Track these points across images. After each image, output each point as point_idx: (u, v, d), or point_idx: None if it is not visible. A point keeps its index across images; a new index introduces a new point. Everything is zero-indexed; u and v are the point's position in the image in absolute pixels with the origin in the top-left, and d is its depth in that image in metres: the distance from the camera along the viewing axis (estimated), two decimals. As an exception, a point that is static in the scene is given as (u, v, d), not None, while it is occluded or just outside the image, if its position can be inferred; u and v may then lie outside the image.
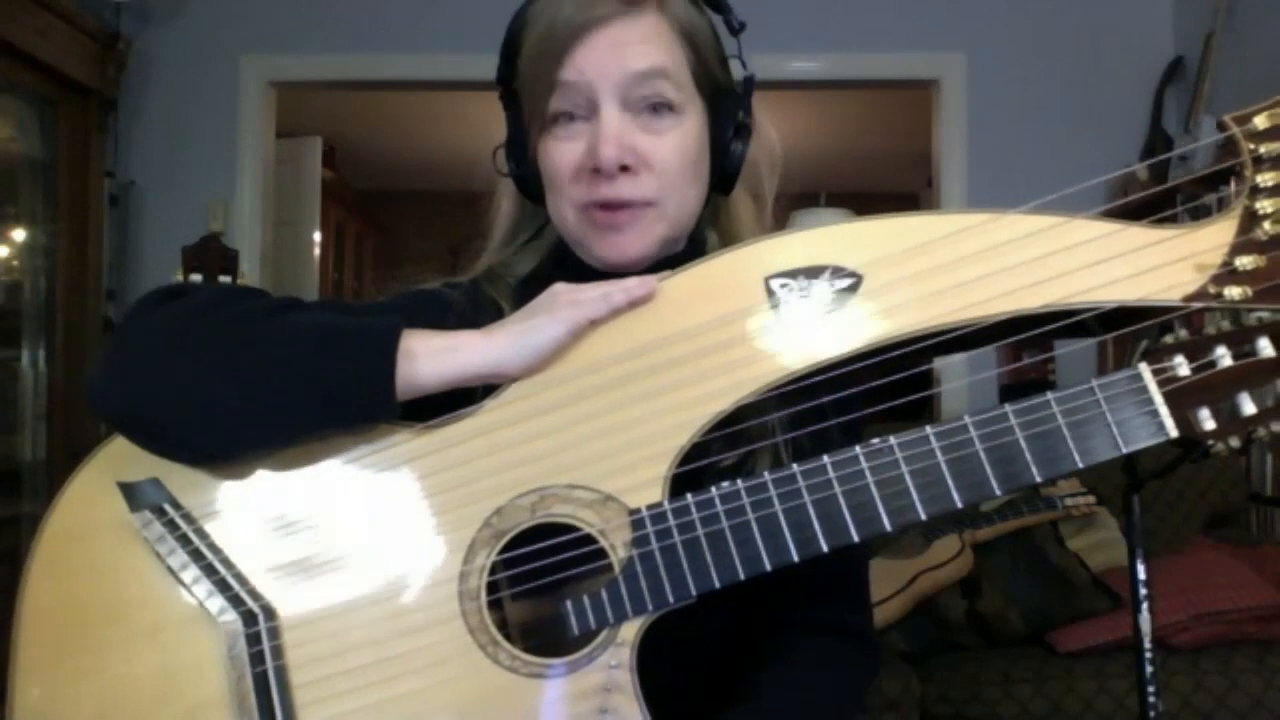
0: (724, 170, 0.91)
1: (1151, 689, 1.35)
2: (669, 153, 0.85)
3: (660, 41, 0.85)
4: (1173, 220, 0.77)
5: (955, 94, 3.62)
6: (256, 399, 0.74)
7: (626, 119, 0.84)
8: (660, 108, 0.85)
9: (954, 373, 2.66)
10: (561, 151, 0.85)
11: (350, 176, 6.46)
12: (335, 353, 0.75)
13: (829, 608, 0.91)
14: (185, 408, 0.75)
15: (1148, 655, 1.35)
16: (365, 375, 0.74)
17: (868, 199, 5.37)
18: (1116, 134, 3.51)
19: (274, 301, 0.80)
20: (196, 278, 2.95)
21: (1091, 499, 2.42)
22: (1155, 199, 2.23)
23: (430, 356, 0.76)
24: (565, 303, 0.77)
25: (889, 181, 6.63)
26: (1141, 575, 1.37)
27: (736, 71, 0.92)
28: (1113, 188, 3.00)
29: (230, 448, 0.77)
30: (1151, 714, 1.35)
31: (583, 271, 0.89)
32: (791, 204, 1.00)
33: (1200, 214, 0.75)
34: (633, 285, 0.78)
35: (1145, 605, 1.35)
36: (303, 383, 0.74)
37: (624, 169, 0.83)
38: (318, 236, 5.16)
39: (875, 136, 5.84)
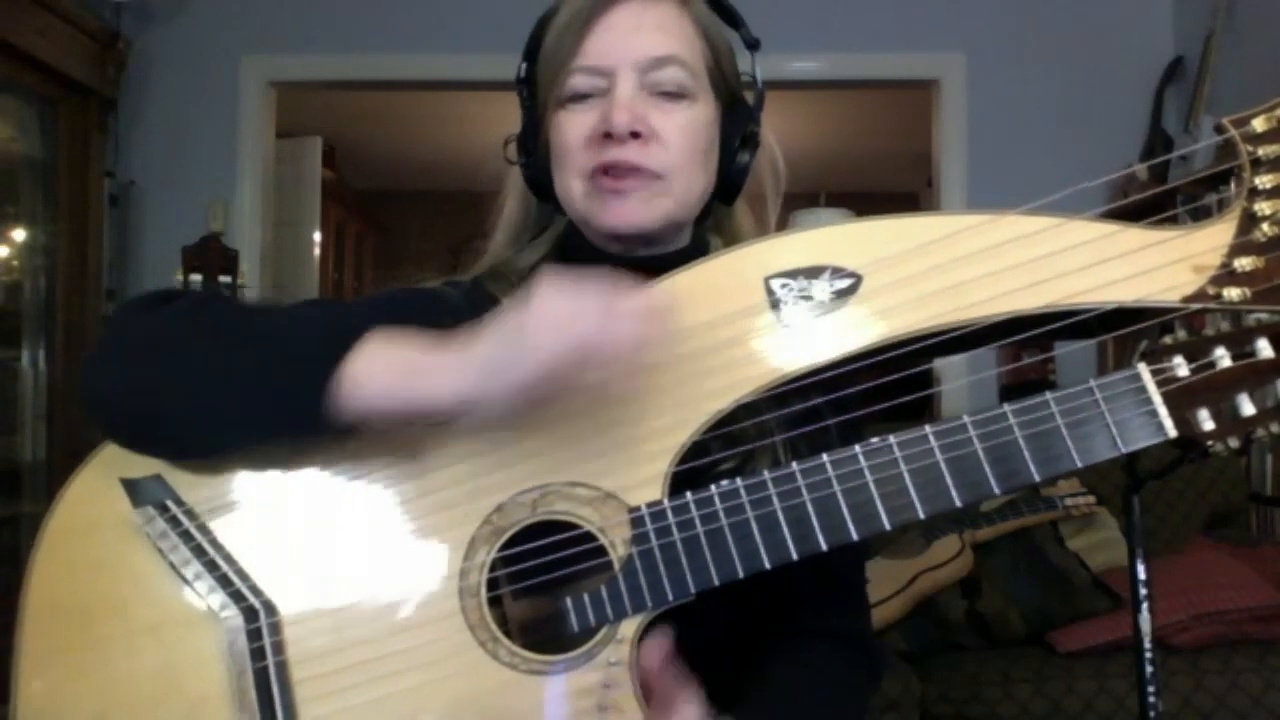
0: (729, 178, 0.92)
1: (1151, 689, 1.35)
2: (680, 130, 0.86)
3: (679, 31, 0.87)
4: (1173, 220, 0.77)
5: (955, 94, 3.62)
6: (213, 406, 0.73)
7: (641, 94, 0.86)
8: (673, 94, 0.86)
9: (954, 373, 2.66)
10: (574, 123, 0.87)
11: (350, 176, 6.46)
12: (279, 370, 0.72)
13: (829, 614, 0.91)
14: (152, 411, 0.75)
15: (1148, 655, 1.35)
16: (297, 403, 0.71)
17: (868, 199, 5.38)
18: (1116, 134, 3.52)
19: (249, 310, 0.79)
20: (196, 278, 2.96)
21: (1091, 499, 2.42)
22: (1155, 199, 2.24)
23: (377, 395, 0.70)
24: (533, 345, 0.68)
25: (889, 181, 6.64)
26: (1141, 575, 1.37)
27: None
28: (1113, 188, 3.00)
29: (195, 449, 0.77)
30: (1151, 714, 1.35)
31: (589, 261, 0.89)
32: (791, 204, 1.01)
33: (1200, 214, 0.76)
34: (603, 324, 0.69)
35: (1145, 605, 1.35)
36: (252, 396, 0.73)
37: (635, 136, 0.84)
38: (318, 236, 5.17)
39: (875, 136, 5.85)
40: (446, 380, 0.70)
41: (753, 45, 0.92)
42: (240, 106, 3.66)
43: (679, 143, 0.86)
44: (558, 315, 0.68)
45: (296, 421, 0.72)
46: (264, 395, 0.72)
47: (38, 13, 2.88)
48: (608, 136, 0.84)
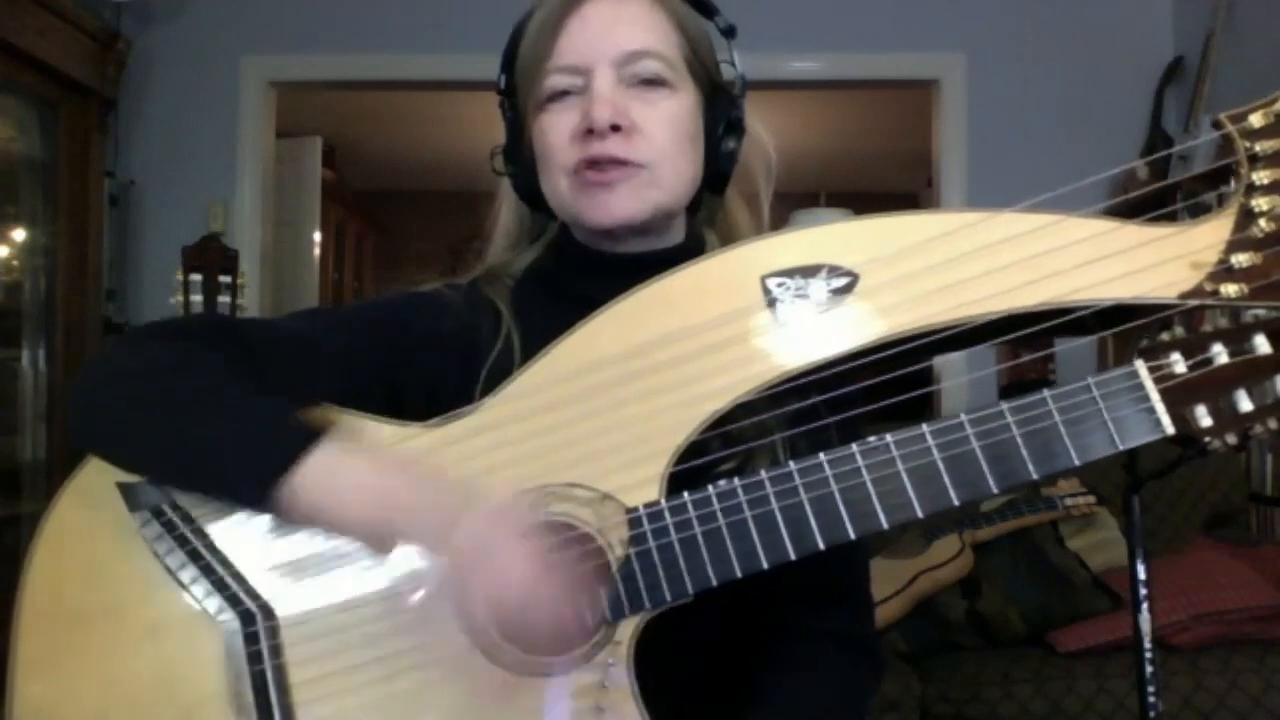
0: (717, 167, 0.91)
1: (1151, 689, 1.35)
2: (661, 121, 0.86)
3: (652, 24, 0.87)
4: (1173, 218, 0.77)
5: (955, 94, 3.62)
6: (156, 470, 0.78)
7: (620, 88, 0.86)
8: (652, 82, 0.87)
9: (952, 371, 2.66)
10: (555, 123, 0.87)
11: (350, 176, 6.45)
12: (220, 467, 0.76)
13: (832, 615, 0.91)
14: (118, 454, 0.79)
15: (1148, 655, 1.35)
16: (239, 498, 0.77)
17: (868, 199, 5.36)
18: (1116, 134, 3.51)
19: (207, 384, 0.78)
20: (196, 278, 2.95)
21: (1091, 499, 2.42)
22: (1155, 196, 2.23)
23: (310, 508, 0.74)
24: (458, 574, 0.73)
25: (889, 181, 6.63)
26: (1141, 575, 1.37)
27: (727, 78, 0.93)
28: (1112, 187, 3.00)
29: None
30: (1151, 714, 1.35)
31: (581, 262, 0.89)
32: (791, 204, 1.01)
33: (1200, 212, 0.75)
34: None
35: (1145, 605, 1.35)
36: (186, 476, 0.78)
37: (615, 129, 0.84)
38: (318, 236, 5.16)
39: (875, 136, 5.84)
40: (366, 513, 0.74)
41: (728, 33, 0.92)
42: (240, 106, 3.65)
43: (661, 132, 0.86)
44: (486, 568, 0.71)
45: (236, 503, 0.77)
46: (210, 477, 0.76)
47: (38, 13, 2.88)
48: (590, 132, 0.84)
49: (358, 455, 0.76)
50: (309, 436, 0.74)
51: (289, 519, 0.75)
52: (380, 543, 0.75)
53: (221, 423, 0.75)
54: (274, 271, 3.93)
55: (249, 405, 0.76)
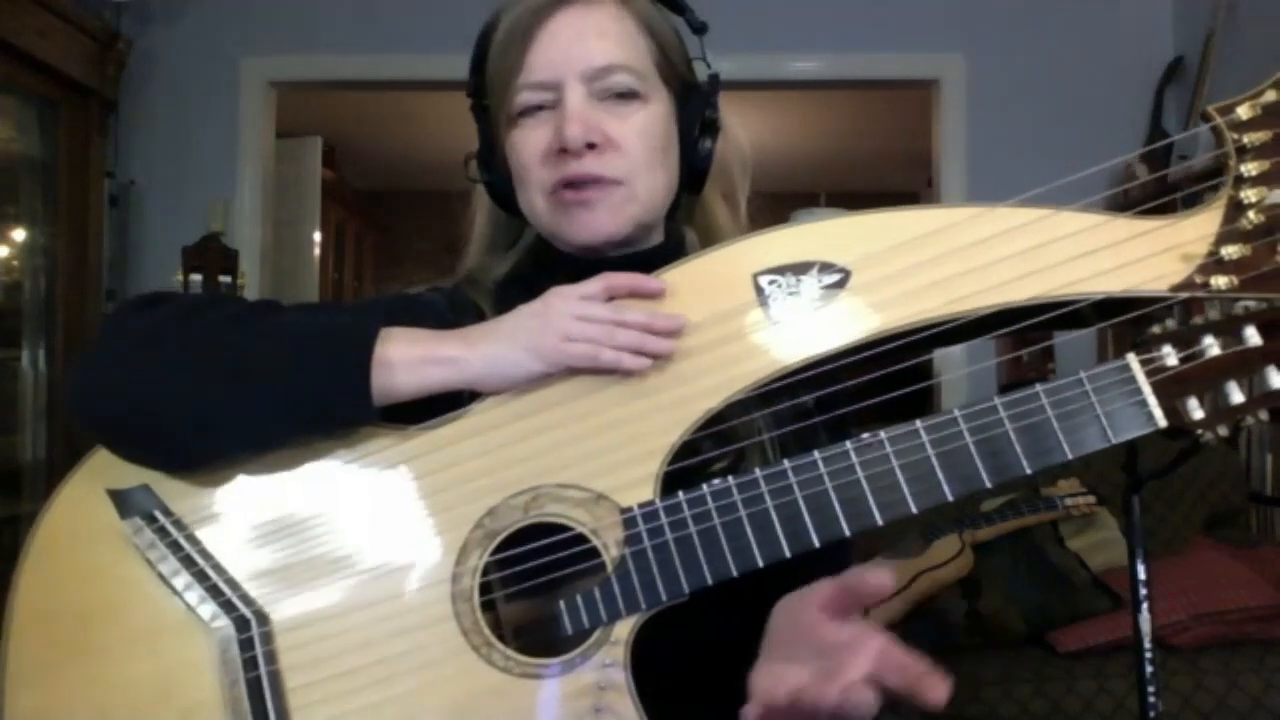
0: (694, 167, 0.91)
1: (1151, 689, 1.35)
2: (634, 134, 0.86)
3: (620, 33, 0.86)
4: (1173, 210, 0.77)
5: (955, 94, 3.62)
6: (230, 402, 0.75)
7: (591, 102, 0.85)
8: (624, 96, 0.86)
9: (952, 365, 2.66)
10: (528, 139, 0.86)
11: (350, 176, 6.46)
12: (313, 358, 0.75)
13: None
14: (159, 409, 0.75)
15: (1148, 655, 1.35)
16: (341, 383, 0.74)
17: (868, 199, 5.33)
18: (1117, 134, 3.51)
19: (252, 306, 0.81)
20: (196, 278, 2.95)
21: (1091, 499, 2.42)
22: (1153, 193, 2.23)
23: (406, 368, 0.75)
24: (553, 340, 0.76)
25: (889, 181, 6.62)
26: (1141, 575, 1.37)
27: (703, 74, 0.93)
28: (1111, 184, 3.00)
29: (204, 452, 0.77)
30: (1151, 714, 1.35)
31: (561, 268, 0.89)
32: (791, 204, 1.01)
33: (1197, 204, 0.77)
34: (629, 345, 0.76)
35: (1145, 605, 1.35)
36: (280, 388, 0.74)
37: (590, 147, 0.84)
38: (318, 236, 5.17)
39: (875, 136, 5.84)
40: (453, 370, 0.76)
41: (699, 30, 0.91)
42: (240, 106, 3.65)
43: (635, 147, 0.85)
44: (565, 327, 0.76)
45: (337, 409, 0.75)
46: (298, 385, 0.74)
47: (38, 13, 2.88)
48: (563, 151, 0.84)
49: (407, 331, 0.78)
50: (367, 327, 0.76)
51: (393, 395, 0.75)
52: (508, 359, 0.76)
53: (283, 329, 0.76)
54: (274, 271, 3.92)
55: (297, 322, 0.78)
